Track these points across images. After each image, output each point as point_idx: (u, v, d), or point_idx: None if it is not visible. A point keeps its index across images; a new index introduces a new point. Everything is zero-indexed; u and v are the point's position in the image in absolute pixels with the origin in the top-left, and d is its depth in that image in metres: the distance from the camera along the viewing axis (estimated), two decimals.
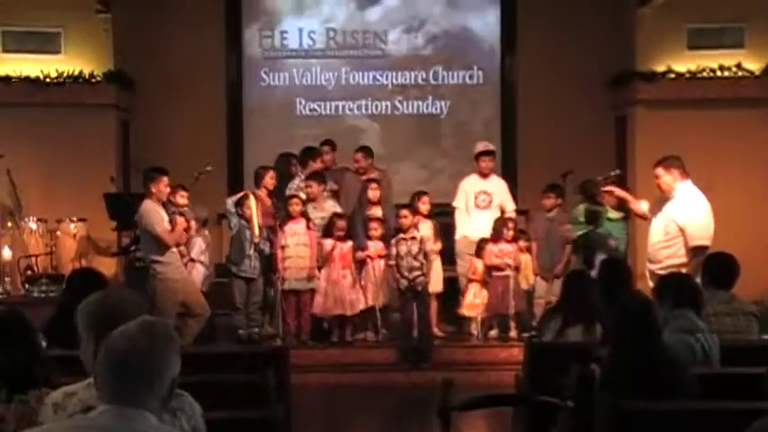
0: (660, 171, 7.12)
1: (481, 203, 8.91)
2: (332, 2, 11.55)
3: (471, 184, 9.00)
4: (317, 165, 9.05)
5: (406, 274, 8.16)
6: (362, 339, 8.60)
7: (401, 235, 8.27)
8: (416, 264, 8.18)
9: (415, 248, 8.21)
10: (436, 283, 8.67)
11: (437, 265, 8.68)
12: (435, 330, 8.63)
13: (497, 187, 9.04)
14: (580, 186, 8.55)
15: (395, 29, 11.51)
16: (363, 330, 8.64)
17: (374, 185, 8.78)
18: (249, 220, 8.31)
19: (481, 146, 9.24)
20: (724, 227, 7.13)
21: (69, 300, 4.41)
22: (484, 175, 9.01)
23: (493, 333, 8.65)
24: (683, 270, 6.67)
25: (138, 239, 8.44)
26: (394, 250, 8.23)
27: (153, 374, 2.29)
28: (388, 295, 8.49)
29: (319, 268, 8.46)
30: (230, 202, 8.63)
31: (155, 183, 7.73)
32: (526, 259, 8.75)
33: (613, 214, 8.18)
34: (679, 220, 6.94)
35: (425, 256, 8.24)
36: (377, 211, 8.72)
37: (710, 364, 4.57)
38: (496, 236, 8.60)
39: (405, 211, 8.36)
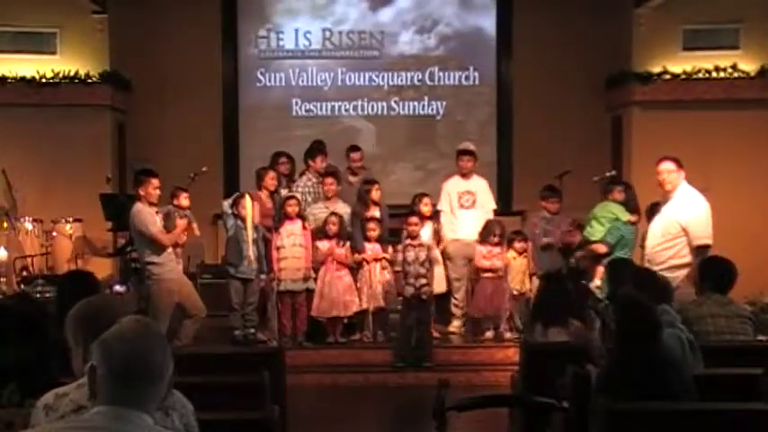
0: (672, 166, 7.10)
1: (465, 203, 8.91)
2: (329, 3, 11.55)
3: (454, 186, 9.00)
4: (316, 165, 9.03)
5: (412, 281, 8.12)
6: (358, 340, 8.60)
7: (408, 241, 8.24)
8: (423, 271, 8.15)
9: (422, 255, 8.18)
10: (438, 284, 8.66)
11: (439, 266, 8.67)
12: (432, 332, 8.62)
13: (479, 186, 9.04)
14: (610, 185, 8.51)
15: (393, 30, 11.52)
16: (359, 332, 8.63)
17: (376, 186, 8.77)
18: (245, 220, 8.30)
19: (462, 145, 9.27)
20: (719, 227, 7.14)
21: (62, 303, 4.40)
22: (465, 175, 9.01)
23: (489, 334, 8.64)
24: (686, 270, 6.69)
25: (133, 240, 8.43)
26: (400, 256, 8.20)
27: (155, 375, 2.30)
28: (386, 298, 8.48)
29: (315, 270, 8.44)
30: (226, 203, 8.61)
31: (143, 186, 7.71)
32: (521, 261, 8.73)
33: (628, 216, 8.18)
34: (682, 220, 6.97)
35: (430, 263, 8.23)
36: (375, 212, 8.70)
37: (696, 354, 4.59)
38: (484, 238, 8.60)
39: (414, 218, 8.30)
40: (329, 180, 8.70)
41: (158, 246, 7.67)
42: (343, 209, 8.69)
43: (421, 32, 11.55)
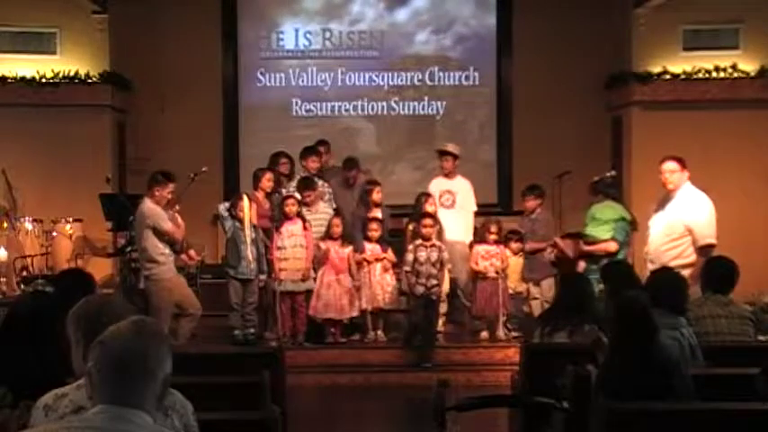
0: (676, 166, 7.14)
1: (445, 203, 8.94)
2: (329, 3, 11.55)
3: (436, 185, 9.03)
4: (310, 164, 9.00)
5: (423, 281, 8.12)
6: (358, 340, 8.60)
7: (421, 241, 8.24)
8: (434, 271, 8.16)
9: (434, 256, 8.18)
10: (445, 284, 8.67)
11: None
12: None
13: (461, 187, 9.08)
14: (600, 185, 8.52)
15: (394, 30, 11.51)
16: (360, 332, 8.63)
17: (378, 188, 8.77)
18: (243, 222, 8.30)
19: (440, 146, 9.35)
20: (719, 227, 7.15)
21: (63, 300, 4.40)
22: (448, 175, 9.06)
23: (484, 335, 8.64)
24: (691, 270, 6.71)
25: (133, 239, 8.43)
26: (411, 256, 8.19)
27: (149, 373, 2.29)
28: (388, 298, 8.47)
29: (315, 270, 8.43)
30: (222, 207, 8.61)
31: (160, 187, 7.74)
32: (517, 261, 8.74)
33: (630, 216, 8.21)
34: (687, 220, 7.01)
35: (441, 263, 8.23)
36: (377, 213, 8.71)
37: (697, 357, 4.60)
38: (482, 237, 8.61)
39: (429, 220, 8.30)
40: (306, 193, 8.68)
41: (173, 240, 7.76)
42: (325, 209, 8.71)
43: (425, 33, 11.53)
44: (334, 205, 8.94)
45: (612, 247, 7.93)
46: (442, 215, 8.81)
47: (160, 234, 7.72)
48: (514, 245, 8.68)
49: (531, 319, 8.40)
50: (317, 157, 9.09)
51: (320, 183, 9.00)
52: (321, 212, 8.69)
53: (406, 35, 11.54)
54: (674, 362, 4.08)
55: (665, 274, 5.27)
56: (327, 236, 8.46)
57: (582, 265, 7.99)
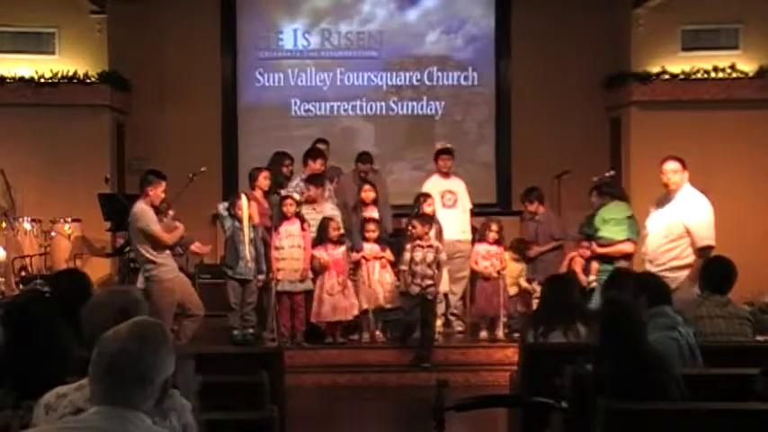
0: (678, 166, 7.12)
1: (447, 202, 8.94)
2: (330, 3, 11.55)
3: (435, 185, 9.00)
4: (316, 165, 9.01)
5: (418, 281, 8.13)
6: (357, 340, 8.60)
7: (418, 242, 8.25)
8: (429, 272, 8.15)
9: (430, 256, 8.19)
10: (443, 283, 8.67)
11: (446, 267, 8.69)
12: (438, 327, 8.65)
13: (459, 186, 9.10)
14: (604, 187, 8.48)
15: (392, 30, 11.51)
16: (359, 332, 8.63)
17: (367, 187, 8.76)
18: (242, 221, 8.29)
19: (440, 144, 9.31)
20: (718, 227, 7.15)
21: (58, 300, 4.40)
22: (445, 175, 9.05)
23: (483, 334, 8.65)
24: (689, 270, 6.71)
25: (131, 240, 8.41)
26: (408, 255, 8.19)
27: (144, 376, 2.28)
28: (388, 296, 8.47)
29: (314, 271, 8.40)
30: (221, 206, 8.61)
31: (153, 186, 7.70)
32: (517, 267, 8.74)
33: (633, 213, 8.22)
34: (687, 221, 7.00)
35: (438, 265, 8.23)
36: (373, 213, 8.70)
37: (695, 356, 4.61)
38: (482, 237, 8.62)
39: (417, 221, 8.26)
40: (311, 188, 8.68)
41: (160, 244, 7.66)
42: (332, 211, 8.68)
43: (430, 34, 11.53)
44: (336, 201, 8.93)
45: (629, 248, 7.89)
46: (446, 215, 8.82)
47: (148, 236, 7.67)
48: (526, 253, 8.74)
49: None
50: (324, 160, 9.08)
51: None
52: (326, 213, 8.63)
53: (406, 35, 11.52)
54: (662, 361, 4.09)
55: (649, 280, 5.27)
56: (327, 239, 8.41)
57: (595, 266, 7.98)
